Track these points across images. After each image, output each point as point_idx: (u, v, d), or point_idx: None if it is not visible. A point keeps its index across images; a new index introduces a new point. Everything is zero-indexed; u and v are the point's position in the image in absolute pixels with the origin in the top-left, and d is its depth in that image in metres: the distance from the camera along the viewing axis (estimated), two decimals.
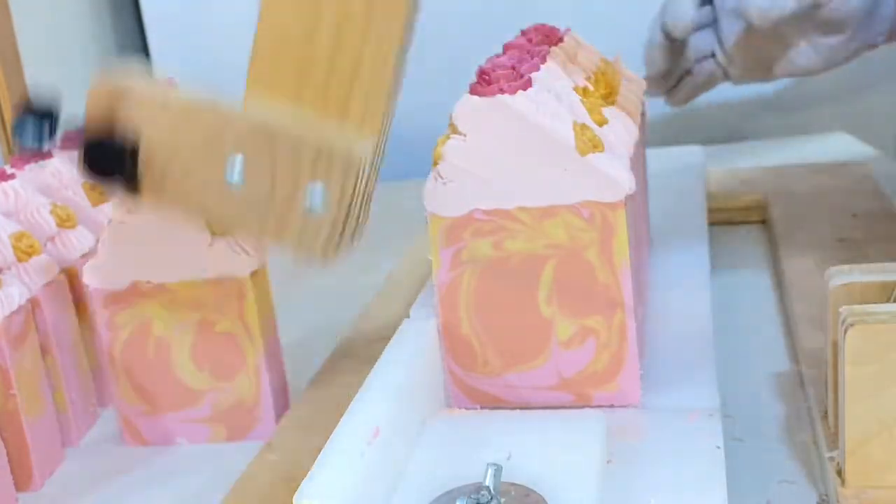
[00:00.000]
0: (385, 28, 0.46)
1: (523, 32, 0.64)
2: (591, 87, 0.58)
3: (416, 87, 1.17)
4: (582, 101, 0.54)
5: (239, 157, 0.47)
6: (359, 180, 0.47)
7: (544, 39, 0.61)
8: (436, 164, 0.53)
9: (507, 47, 0.60)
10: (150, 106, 0.49)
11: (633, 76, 0.68)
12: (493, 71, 0.52)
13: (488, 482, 0.43)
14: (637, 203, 0.58)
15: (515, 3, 1.10)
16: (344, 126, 0.48)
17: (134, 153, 0.49)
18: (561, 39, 0.62)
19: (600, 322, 0.52)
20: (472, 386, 0.55)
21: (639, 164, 0.61)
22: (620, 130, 0.55)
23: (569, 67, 0.58)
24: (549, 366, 0.53)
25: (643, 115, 0.66)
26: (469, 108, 0.51)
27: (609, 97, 0.59)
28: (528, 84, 0.51)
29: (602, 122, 0.53)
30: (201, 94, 0.49)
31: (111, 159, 0.49)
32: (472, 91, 0.51)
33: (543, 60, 0.55)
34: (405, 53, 0.47)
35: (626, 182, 0.51)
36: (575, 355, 0.53)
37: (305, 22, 0.47)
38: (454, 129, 0.52)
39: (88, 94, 0.49)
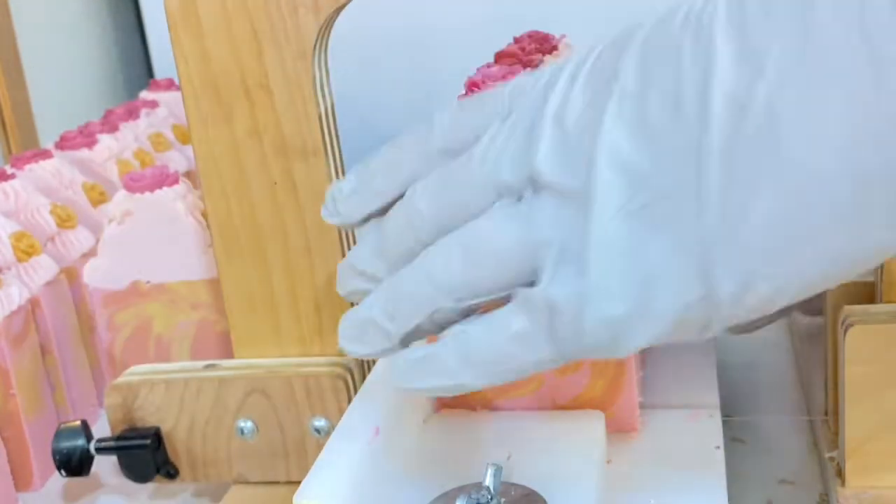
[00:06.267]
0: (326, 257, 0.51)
1: (516, 40, 0.63)
2: None
3: (414, 89, 1.17)
4: None
5: (248, 423, 0.52)
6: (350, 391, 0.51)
7: (538, 48, 0.61)
8: None
9: (498, 56, 0.59)
10: (159, 392, 0.53)
11: None
12: (483, 83, 0.50)
13: (488, 482, 0.43)
14: None
15: (510, 9, 1.10)
16: (324, 350, 0.53)
17: (160, 442, 0.53)
18: (555, 48, 0.61)
19: None
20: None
21: None
22: None
23: None
24: (541, 393, 0.52)
25: None
26: None
27: None
28: None
29: None
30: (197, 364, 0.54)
31: (144, 460, 0.53)
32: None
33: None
34: None
35: None
36: (569, 381, 0.51)
37: (261, 276, 0.52)
38: None
39: (106, 408, 0.54)
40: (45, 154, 0.71)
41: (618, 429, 0.51)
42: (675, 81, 0.31)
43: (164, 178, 0.58)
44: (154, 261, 0.59)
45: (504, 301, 0.36)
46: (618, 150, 0.32)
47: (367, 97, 1.16)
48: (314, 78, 0.48)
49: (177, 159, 0.83)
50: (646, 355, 0.56)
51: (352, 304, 0.50)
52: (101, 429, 0.64)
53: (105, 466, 0.58)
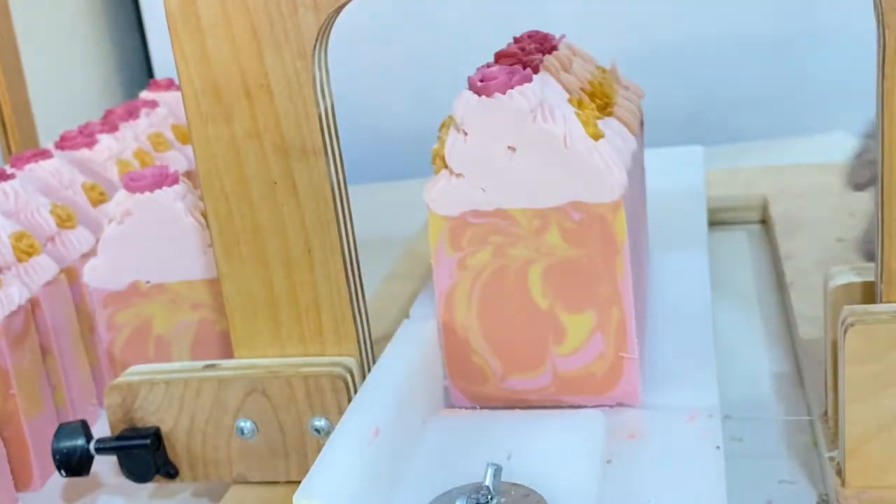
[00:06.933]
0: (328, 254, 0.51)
1: (516, 40, 0.63)
2: (585, 98, 0.57)
3: (414, 89, 1.17)
4: (577, 113, 0.53)
5: (248, 423, 0.52)
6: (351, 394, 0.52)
7: (538, 48, 0.61)
8: (434, 162, 0.52)
9: (498, 56, 0.60)
10: (159, 392, 0.53)
11: (631, 84, 0.68)
12: (483, 83, 0.51)
13: (488, 482, 0.43)
14: (636, 210, 0.57)
15: (509, 9, 1.10)
16: (325, 350, 0.53)
17: (160, 442, 0.53)
18: (555, 48, 0.61)
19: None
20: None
21: (637, 174, 0.60)
22: (618, 143, 0.55)
23: (563, 77, 0.57)
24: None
25: (642, 123, 0.65)
26: (469, 105, 0.51)
27: (605, 108, 0.58)
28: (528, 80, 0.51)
29: (598, 136, 0.52)
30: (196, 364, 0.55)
31: (144, 460, 0.53)
32: (472, 88, 0.51)
33: (536, 70, 0.54)
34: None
35: (621, 182, 0.50)
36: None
37: (261, 276, 0.52)
38: (455, 126, 0.51)
39: (106, 407, 0.54)
40: (45, 154, 0.71)
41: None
42: None
43: (164, 178, 0.58)
44: (154, 261, 0.59)
45: None
46: None
47: (367, 97, 1.16)
48: (314, 78, 0.48)
49: (177, 159, 0.83)
50: (646, 345, 0.56)
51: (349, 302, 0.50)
52: (101, 429, 0.64)
53: (105, 466, 0.58)
